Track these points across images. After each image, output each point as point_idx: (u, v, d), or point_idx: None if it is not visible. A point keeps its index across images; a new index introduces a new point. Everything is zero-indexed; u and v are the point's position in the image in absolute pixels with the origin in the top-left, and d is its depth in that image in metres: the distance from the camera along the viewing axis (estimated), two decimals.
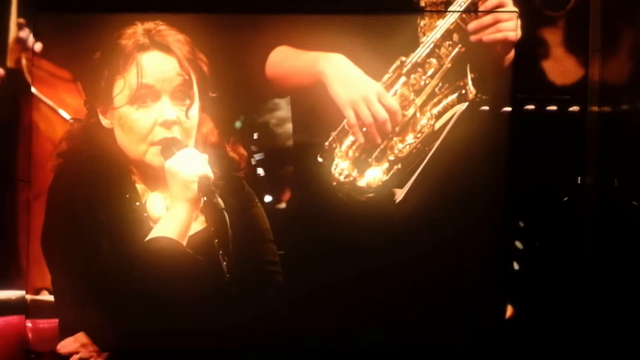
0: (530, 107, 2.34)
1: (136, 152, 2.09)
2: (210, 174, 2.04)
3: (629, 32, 2.29)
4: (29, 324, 2.27)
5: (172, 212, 2.07)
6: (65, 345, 2.18)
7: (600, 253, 2.32)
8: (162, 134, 2.06)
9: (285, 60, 2.24)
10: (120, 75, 2.07)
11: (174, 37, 2.10)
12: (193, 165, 2.03)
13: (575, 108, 2.35)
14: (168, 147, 2.05)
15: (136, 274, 2.06)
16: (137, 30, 2.09)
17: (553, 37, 2.36)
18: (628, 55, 2.30)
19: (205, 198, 2.04)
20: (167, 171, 2.04)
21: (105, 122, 2.11)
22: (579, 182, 2.36)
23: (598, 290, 2.32)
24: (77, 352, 2.17)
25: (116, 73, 2.07)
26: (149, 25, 2.10)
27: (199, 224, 2.13)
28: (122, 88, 2.07)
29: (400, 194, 2.25)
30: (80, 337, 2.17)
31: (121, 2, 2.25)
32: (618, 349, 2.25)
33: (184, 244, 2.07)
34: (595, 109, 2.35)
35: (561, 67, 2.36)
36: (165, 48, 2.08)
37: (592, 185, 2.35)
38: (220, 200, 2.05)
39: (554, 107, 2.35)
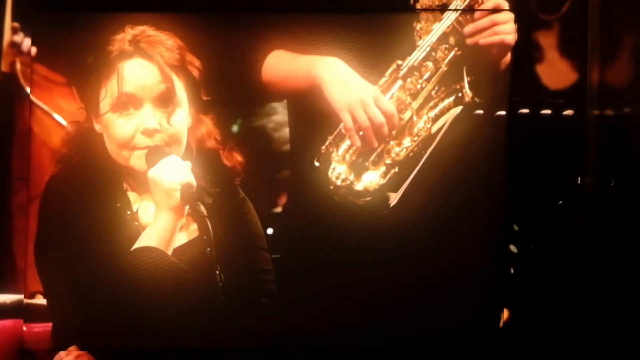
0: (528, 110, 2.33)
1: (121, 158, 2.09)
2: (193, 182, 2.04)
3: (627, 33, 2.29)
4: (24, 328, 2.26)
5: (156, 221, 2.06)
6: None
7: (600, 254, 2.32)
8: (144, 142, 2.07)
9: (282, 64, 2.24)
10: (104, 83, 2.08)
11: (161, 42, 2.10)
12: (175, 174, 2.03)
13: (573, 111, 2.34)
14: (151, 155, 2.05)
15: (123, 284, 2.06)
16: (125, 37, 2.09)
17: (550, 40, 2.35)
18: (627, 56, 2.29)
19: (188, 206, 2.04)
20: (150, 180, 2.04)
21: (97, 127, 2.12)
22: (578, 183, 2.35)
23: (598, 292, 2.32)
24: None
25: (102, 80, 2.08)
26: (137, 30, 2.10)
27: (185, 236, 2.13)
28: (104, 95, 2.08)
29: (394, 198, 2.25)
30: (73, 350, 2.18)
31: (114, 3, 2.24)
32: (618, 350, 2.25)
33: (169, 252, 2.06)
34: (594, 111, 2.35)
35: (558, 70, 2.35)
36: (147, 56, 2.08)
37: (592, 188, 2.34)
38: (202, 208, 2.05)
39: (552, 110, 2.34)
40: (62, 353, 2.19)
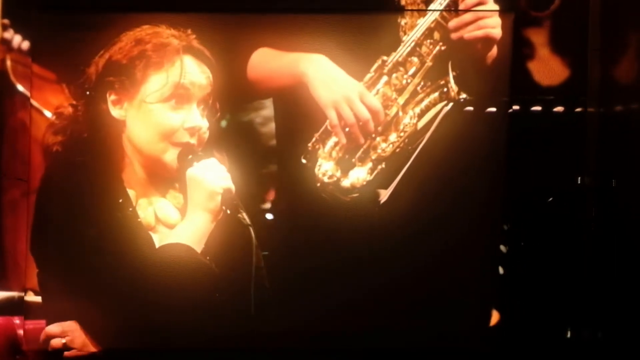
0: (527, 108, 2.31)
1: (155, 149, 2.08)
2: (233, 188, 2.06)
3: (629, 30, 2.26)
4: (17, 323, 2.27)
5: (192, 220, 2.07)
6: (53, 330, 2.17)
7: (600, 255, 2.30)
8: (185, 138, 2.07)
9: (267, 61, 2.23)
10: (158, 71, 2.07)
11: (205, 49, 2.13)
12: (219, 177, 2.05)
13: (573, 109, 2.32)
14: (186, 153, 2.07)
15: (145, 278, 2.07)
16: (166, 32, 2.10)
17: (546, 37, 2.33)
18: (628, 54, 2.27)
19: (229, 211, 2.06)
20: (191, 179, 2.05)
21: (116, 112, 2.09)
22: (578, 182, 2.33)
23: (597, 293, 2.30)
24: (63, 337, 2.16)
25: (152, 67, 2.07)
26: (184, 32, 2.12)
27: None
28: (161, 85, 2.06)
29: (385, 195, 2.24)
30: (71, 325, 2.16)
31: (108, 4, 2.26)
32: (618, 352, 2.23)
33: (199, 251, 2.08)
34: (594, 109, 2.33)
35: (557, 68, 2.33)
36: (203, 56, 2.11)
37: (592, 187, 2.32)
38: (245, 216, 2.09)
39: (550, 109, 2.32)
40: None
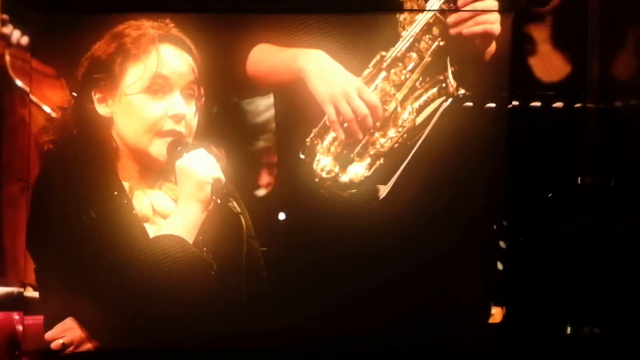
0: (526, 105, 2.31)
1: (140, 143, 2.09)
2: (223, 178, 2.06)
3: (629, 26, 2.26)
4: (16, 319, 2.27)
5: (183, 211, 2.08)
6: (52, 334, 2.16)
7: (599, 251, 2.29)
8: (170, 127, 2.07)
9: (266, 57, 2.23)
10: (136, 63, 2.07)
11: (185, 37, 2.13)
12: (208, 167, 2.05)
13: (572, 106, 2.32)
14: (175, 144, 2.07)
15: (139, 270, 2.06)
16: (146, 24, 2.11)
17: (546, 34, 2.33)
18: (628, 50, 2.26)
19: (219, 201, 2.06)
20: (180, 169, 2.05)
21: (102, 110, 2.10)
22: (577, 178, 2.32)
23: (598, 289, 2.29)
24: (62, 337, 2.15)
25: (130, 60, 2.07)
26: (163, 22, 2.13)
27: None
28: (139, 76, 2.07)
29: (384, 191, 2.24)
30: (67, 323, 2.16)
31: (100, 3, 2.26)
32: (618, 349, 2.22)
33: (191, 242, 2.08)
34: (593, 105, 2.32)
35: (555, 63, 2.33)
36: (182, 44, 2.11)
37: (591, 182, 2.31)
38: (235, 204, 2.09)
39: (550, 106, 2.32)
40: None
